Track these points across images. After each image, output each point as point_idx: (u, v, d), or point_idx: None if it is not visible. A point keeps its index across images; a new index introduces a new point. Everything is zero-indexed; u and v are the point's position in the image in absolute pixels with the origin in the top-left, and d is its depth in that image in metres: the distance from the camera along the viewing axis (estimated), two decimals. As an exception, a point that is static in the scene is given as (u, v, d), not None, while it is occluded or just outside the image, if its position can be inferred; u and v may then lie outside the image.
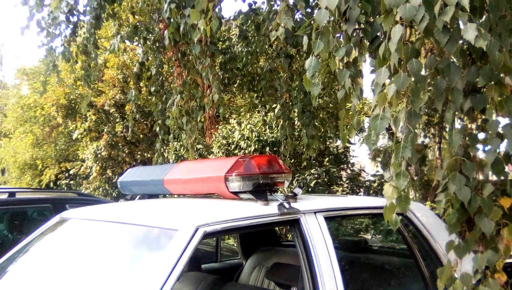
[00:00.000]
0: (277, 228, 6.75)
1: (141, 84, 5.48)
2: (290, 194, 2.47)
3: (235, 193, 2.39)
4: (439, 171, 1.74)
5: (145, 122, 11.25)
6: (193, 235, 1.96)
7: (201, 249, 5.21)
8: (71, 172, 12.44)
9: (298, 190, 2.52)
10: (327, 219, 2.42)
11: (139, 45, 6.24)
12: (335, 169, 8.30)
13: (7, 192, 4.77)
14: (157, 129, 4.94)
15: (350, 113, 2.01)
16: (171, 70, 4.91)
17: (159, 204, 2.64)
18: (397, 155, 1.58)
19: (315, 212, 2.38)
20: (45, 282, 2.27)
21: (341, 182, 8.58)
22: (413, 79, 1.57)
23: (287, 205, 2.29)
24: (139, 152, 11.59)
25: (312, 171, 7.95)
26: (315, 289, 2.19)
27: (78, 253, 2.39)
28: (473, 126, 1.74)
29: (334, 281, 2.23)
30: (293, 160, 8.34)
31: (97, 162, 11.23)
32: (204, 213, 2.13)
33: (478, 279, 1.75)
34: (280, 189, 2.49)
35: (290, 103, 4.72)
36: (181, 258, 1.88)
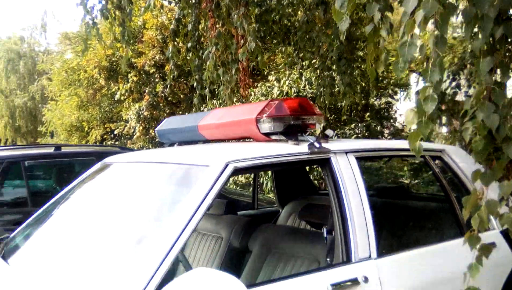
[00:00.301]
0: (316, 182, 6.81)
1: (180, 43, 5.51)
2: (322, 136, 2.47)
3: (267, 134, 2.42)
4: (467, 100, 1.69)
5: (185, 82, 11.38)
6: (223, 170, 2.01)
7: (240, 201, 5.34)
8: (115, 132, 12.83)
9: (330, 132, 2.52)
10: (358, 159, 2.41)
11: (176, 4, 6.24)
12: (376, 124, 8.18)
13: (53, 146, 4.99)
14: (195, 84, 5.00)
15: (379, 48, 1.97)
16: (207, 25, 4.89)
17: (194, 148, 2.70)
18: (426, 79, 1.54)
19: (346, 152, 2.38)
20: (88, 221, 2.40)
21: (383, 137, 8.48)
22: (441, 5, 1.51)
23: (317, 145, 2.30)
24: (180, 112, 11.78)
25: (352, 126, 7.87)
26: (344, 228, 2.21)
27: (118, 192, 2.51)
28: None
29: (364, 220, 2.25)
30: (333, 115, 8.27)
31: (140, 123, 11.51)
32: (234, 151, 2.17)
33: (503, 205, 1.72)
34: (312, 130, 2.49)
35: (328, 53, 4.65)
36: (210, 191, 1.94)
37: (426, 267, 2.35)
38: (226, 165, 2.04)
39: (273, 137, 2.42)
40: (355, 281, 2.10)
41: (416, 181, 6.67)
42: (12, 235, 2.57)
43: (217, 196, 2.00)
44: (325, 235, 2.39)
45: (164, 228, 1.84)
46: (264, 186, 8.06)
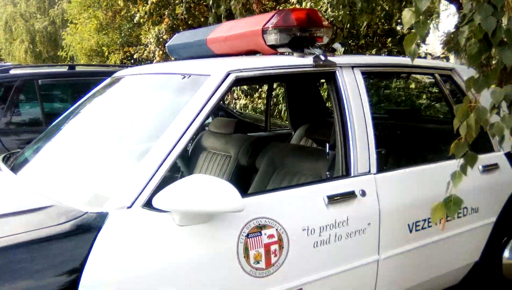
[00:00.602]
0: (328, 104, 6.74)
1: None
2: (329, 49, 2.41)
3: (273, 47, 2.36)
4: (467, 3, 1.60)
5: (205, 4, 11.08)
6: (224, 79, 1.99)
7: (256, 124, 5.34)
8: (135, 56, 12.75)
9: (337, 45, 2.46)
10: (364, 74, 2.35)
11: None
12: (398, 50, 7.92)
13: (67, 65, 5.00)
14: (210, 2, 4.87)
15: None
16: None
17: (200, 60, 2.66)
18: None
19: (352, 67, 2.32)
20: (92, 132, 2.44)
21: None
22: None
23: (323, 58, 2.24)
24: (199, 36, 11.56)
25: (373, 51, 7.65)
26: (345, 143, 2.20)
27: (124, 103, 2.53)
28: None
29: (365, 136, 2.23)
30: (354, 41, 8.03)
31: (159, 47, 11.39)
32: (237, 62, 2.14)
33: (494, 113, 1.67)
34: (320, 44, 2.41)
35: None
36: (211, 99, 1.93)
37: (424, 185, 2.35)
38: (228, 75, 2.01)
39: (280, 50, 2.36)
40: (352, 194, 2.12)
41: (426, 102, 6.57)
42: (22, 150, 2.64)
43: (217, 104, 2.00)
44: (327, 151, 2.39)
45: (163, 134, 1.86)
46: (282, 113, 8.05)
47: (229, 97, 10.03)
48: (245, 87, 8.84)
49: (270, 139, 3.65)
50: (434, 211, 1.70)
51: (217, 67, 2.06)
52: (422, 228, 2.35)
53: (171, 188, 1.68)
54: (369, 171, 2.22)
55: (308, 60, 2.23)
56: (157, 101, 2.34)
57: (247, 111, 8.93)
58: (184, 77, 2.19)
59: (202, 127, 3.52)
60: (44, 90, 4.79)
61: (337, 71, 2.27)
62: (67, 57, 16.23)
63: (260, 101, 8.96)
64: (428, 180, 2.37)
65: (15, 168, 2.31)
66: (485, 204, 2.61)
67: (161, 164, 1.77)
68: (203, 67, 2.20)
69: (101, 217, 1.65)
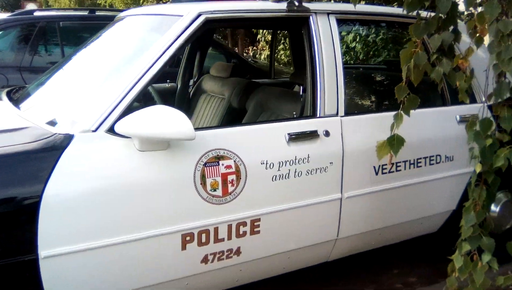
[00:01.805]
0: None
1: None
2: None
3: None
4: None
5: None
6: (194, 19, 2.08)
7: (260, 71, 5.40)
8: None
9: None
10: (340, 21, 2.39)
11: None
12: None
13: (87, 9, 5.17)
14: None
15: None
16: None
17: (183, 4, 2.72)
18: None
19: (328, 13, 2.36)
20: (81, 67, 2.59)
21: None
22: None
23: (297, 3, 2.28)
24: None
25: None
26: (313, 86, 2.28)
27: (114, 40, 2.65)
28: None
29: (335, 80, 2.29)
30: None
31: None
32: (211, 5, 2.20)
33: (433, 59, 1.70)
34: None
35: None
36: (179, 37, 2.04)
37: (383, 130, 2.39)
38: (198, 16, 2.10)
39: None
40: (313, 134, 2.21)
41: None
42: (28, 85, 2.83)
43: (186, 43, 2.10)
44: (300, 93, 2.47)
45: (131, 68, 1.99)
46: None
47: (253, 48, 10.04)
48: (268, 38, 8.83)
49: (270, 85, 3.73)
50: (379, 149, 1.78)
51: (190, 8, 2.14)
52: (390, 171, 2.43)
53: (131, 116, 1.82)
54: (337, 113, 2.30)
55: (282, 5, 2.28)
56: (138, 40, 2.46)
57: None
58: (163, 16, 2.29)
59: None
60: (65, 32, 5.00)
61: (311, 17, 2.31)
62: (106, 5, 16.46)
63: (282, 52, 8.96)
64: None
65: (13, 98, 2.51)
66: (461, 153, 2.63)
67: (126, 94, 1.91)
68: (179, 8, 2.29)
69: (67, 138, 1.81)
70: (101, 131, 1.86)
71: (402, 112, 1.75)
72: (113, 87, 1.96)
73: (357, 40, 5.98)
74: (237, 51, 10.90)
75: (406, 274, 3.02)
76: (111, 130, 1.86)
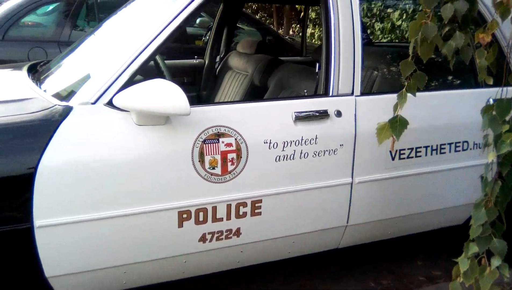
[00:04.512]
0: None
1: None
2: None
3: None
4: None
5: None
6: None
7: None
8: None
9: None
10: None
11: None
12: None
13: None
14: None
15: None
16: None
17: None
18: None
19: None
20: (100, 37, 2.58)
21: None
22: None
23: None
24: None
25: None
26: (327, 64, 2.17)
27: (130, 14, 2.62)
28: None
29: (352, 58, 2.16)
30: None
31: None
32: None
33: (444, 32, 1.52)
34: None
35: None
36: (186, 8, 1.98)
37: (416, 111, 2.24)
38: None
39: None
40: (324, 113, 2.10)
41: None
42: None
43: (193, 14, 2.02)
44: (316, 71, 2.35)
45: (132, 41, 1.96)
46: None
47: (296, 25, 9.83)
48: (312, 15, 8.61)
49: (304, 64, 3.62)
50: (380, 132, 1.64)
51: None
52: (409, 157, 2.28)
53: (129, 89, 1.79)
54: (352, 93, 2.17)
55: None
56: (147, 11, 2.40)
57: (313, 40, 8.77)
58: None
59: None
60: (103, 6, 5.06)
61: None
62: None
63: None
64: (421, 107, 2.26)
65: (32, 71, 2.55)
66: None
67: (127, 67, 1.87)
68: None
69: (66, 110, 1.81)
70: (100, 104, 1.84)
71: (406, 91, 1.60)
72: (115, 59, 1.93)
73: (403, 18, 5.68)
74: (281, 29, 10.74)
75: (431, 267, 2.87)
76: (110, 103, 1.84)
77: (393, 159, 2.25)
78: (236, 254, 2.12)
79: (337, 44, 2.15)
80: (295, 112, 2.06)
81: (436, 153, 2.34)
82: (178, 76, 4.16)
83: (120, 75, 1.87)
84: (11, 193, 1.72)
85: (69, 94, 1.91)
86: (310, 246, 2.32)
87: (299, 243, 2.23)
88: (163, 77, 2.60)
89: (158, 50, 1.94)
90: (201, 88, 3.87)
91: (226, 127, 1.94)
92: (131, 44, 1.94)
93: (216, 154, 1.92)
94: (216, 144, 1.92)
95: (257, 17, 9.65)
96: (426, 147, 2.31)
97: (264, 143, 2.00)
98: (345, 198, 2.20)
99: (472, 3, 1.51)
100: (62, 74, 2.31)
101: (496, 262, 1.56)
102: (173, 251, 1.98)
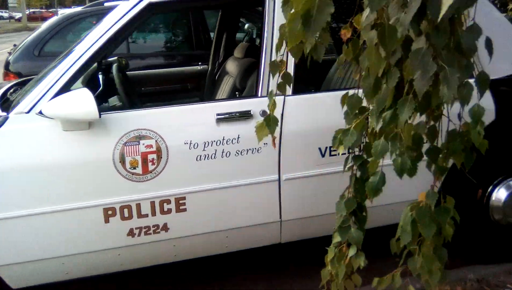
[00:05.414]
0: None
1: None
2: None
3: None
4: None
5: None
6: (137, 3, 2.21)
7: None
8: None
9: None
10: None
11: None
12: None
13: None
14: None
15: None
16: None
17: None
18: None
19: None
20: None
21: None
22: None
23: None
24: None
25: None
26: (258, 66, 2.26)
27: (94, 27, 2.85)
28: None
29: None
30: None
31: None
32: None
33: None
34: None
35: None
36: (119, 20, 2.18)
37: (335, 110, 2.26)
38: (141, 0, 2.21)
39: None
40: (246, 114, 2.20)
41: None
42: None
43: (129, 26, 2.21)
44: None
45: (74, 51, 2.18)
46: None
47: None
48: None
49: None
50: (259, 130, 1.70)
51: None
52: (342, 154, 2.29)
53: (55, 99, 2.01)
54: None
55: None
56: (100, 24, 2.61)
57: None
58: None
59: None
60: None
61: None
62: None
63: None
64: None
65: (11, 88, 2.83)
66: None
67: (60, 77, 2.10)
68: None
69: (3, 119, 2.06)
70: (33, 113, 2.07)
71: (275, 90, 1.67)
72: (53, 70, 2.16)
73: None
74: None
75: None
76: (41, 113, 2.06)
77: (323, 156, 2.28)
78: (169, 248, 2.27)
79: (267, 45, 2.25)
80: (216, 114, 2.17)
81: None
82: (183, 83, 4.38)
83: (53, 84, 2.09)
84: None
85: (13, 106, 2.17)
86: (249, 241, 2.41)
87: (233, 238, 2.34)
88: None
89: (92, 59, 2.15)
90: (204, 93, 4.06)
91: (147, 130, 2.10)
92: (70, 55, 2.16)
93: (136, 155, 2.09)
94: (137, 146, 2.09)
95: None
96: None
97: (185, 143, 2.13)
98: (274, 194, 2.28)
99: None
100: (25, 90, 2.57)
101: (352, 251, 1.59)
102: (104, 244, 2.17)
